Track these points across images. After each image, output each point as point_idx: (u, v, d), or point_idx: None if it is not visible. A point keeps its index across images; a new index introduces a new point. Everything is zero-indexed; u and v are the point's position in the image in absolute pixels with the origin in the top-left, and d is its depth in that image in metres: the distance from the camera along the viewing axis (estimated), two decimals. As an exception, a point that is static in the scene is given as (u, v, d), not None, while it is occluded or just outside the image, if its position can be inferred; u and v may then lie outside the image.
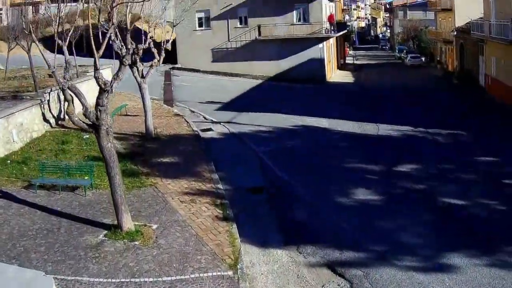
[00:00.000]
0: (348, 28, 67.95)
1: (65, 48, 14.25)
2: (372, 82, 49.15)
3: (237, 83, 44.67)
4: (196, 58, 49.48)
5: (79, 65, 30.99)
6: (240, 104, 34.05)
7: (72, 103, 13.00)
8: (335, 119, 28.97)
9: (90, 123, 13.33)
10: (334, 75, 53.46)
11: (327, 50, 49.78)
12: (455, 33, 52.05)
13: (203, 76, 47.18)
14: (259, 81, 45.58)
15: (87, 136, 22.77)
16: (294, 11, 47.45)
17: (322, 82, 46.43)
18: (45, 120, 25.23)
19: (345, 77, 53.42)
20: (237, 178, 19.18)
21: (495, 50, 37.17)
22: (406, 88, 42.29)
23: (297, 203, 16.92)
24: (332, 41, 52.46)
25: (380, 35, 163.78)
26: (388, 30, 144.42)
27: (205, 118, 29.80)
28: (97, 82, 12.63)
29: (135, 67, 23.79)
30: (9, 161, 20.39)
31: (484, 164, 20.65)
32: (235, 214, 15.70)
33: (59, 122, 26.29)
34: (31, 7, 64.20)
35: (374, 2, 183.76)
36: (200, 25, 49.59)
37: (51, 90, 25.85)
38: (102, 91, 12.65)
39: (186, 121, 28.02)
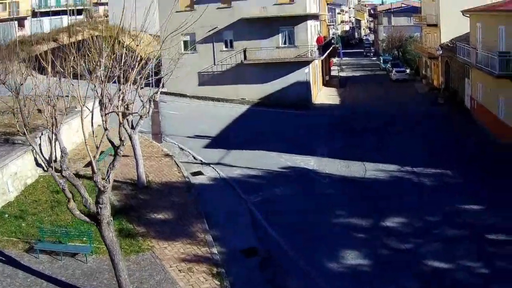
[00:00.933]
0: (333, 42, 68.39)
1: (59, 137, 14.45)
2: (358, 104, 49.61)
3: (223, 109, 45.28)
4: (182, 82, 49.79)
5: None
6: (228, 139, 34.57)
7: (73, 197, 13.47)
8: (322, 158, 29.67)
9: (92, 215, 13.82)
10: (320, 94, 54.10)
11: (313, 71, 50.46)
12: (441, 52, 52.84)
13: (190, 102, 47.73)
14: (245, 107, 46.06)
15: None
16: (280, 34, 48.05)
17: (308, 106, 46.99)
18: (38, 164, 25.56)
19: (330, 96, 54.00)
20: (230, 237, 19.80)
21: (481, 77, 37.66)
22: (393, 116, 42.83)
23: (289, 270, 17.56)
24: (318, 60, 53.11)
25: (364, 38, 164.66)
26: (372, 34, 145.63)
27: (194, 158, 30.35)
28: (96, 185, 13.12)
29: (125, 119, 24.13)
30: (6, 215, 20.96)
31: (469, 215, 21.36)
32: (231, 284, 16.36)
33: (51, 165, 26.60)
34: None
35: (358, 4, 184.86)
36: (186, 48, 49.95)
37: (41, 134, 26.14)
38: (101, 192, 13.16)
39: (177, 164, 28.52)
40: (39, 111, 26.22)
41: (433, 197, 23.52)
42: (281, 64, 47.70)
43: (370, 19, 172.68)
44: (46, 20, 79.08)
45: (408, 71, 70.53)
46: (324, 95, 54.22)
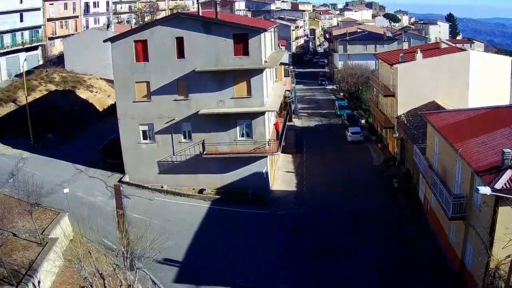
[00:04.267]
0: (288, 101, 68.90)
1: None
2: (315, 190, 50.53)
3: (185, 209, 45.76)
4: (143, 170, 50.22)
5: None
6: (196, 271, 35.51)
7: None
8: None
9: None
10: (277, 172, 54.69)
11: (271, 161, 50.96)
12: (397, 135, 54.13)
13: (151, 198, 47.93)
14: (206, 206, 46.45)
15: None
16: (238, 127, 48.42)
17: (266, 200, 47.81)
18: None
19: (286, 176, 54.75)
20: None
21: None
22: (352, 214, 44.30)
23: None
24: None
25: (318, 49, 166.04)
26: (326, 44, 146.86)
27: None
28: None
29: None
30: None
31: None
32: None
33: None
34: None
35: (313, 12, 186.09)
36: (145, 137, 49.91)
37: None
38: None
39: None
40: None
41: None
42: (239, 157, 48.24)
43: (325, 23, 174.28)
44: (2, 59, 77.57)
45: (363, 123, 72.10)
46: (281, 174, 54.82)
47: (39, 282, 30.81)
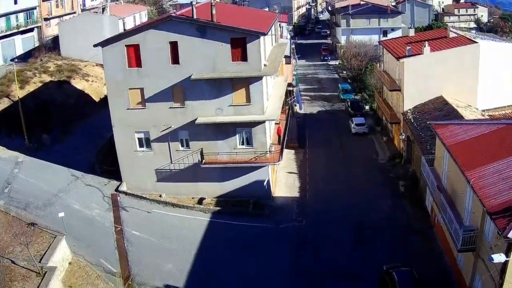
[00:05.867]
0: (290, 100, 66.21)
1: None
2: (319, 198, 48.83)
3: (185, 223, 44.38)
4: (140, 178, 48.68)
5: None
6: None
7: None
8: None
9: None
10: (279, 175, 52.89)
11: (273, 168, 49.08)
12: (404, 137, 52.12)
13: (150, 210, 46.43)
14: (206, 219, 44.88)
15: None
16: (237, 135, 46.35)
17: (268, 210, 46.22)
18: None
19: (289, 177, 53.01)
20: None
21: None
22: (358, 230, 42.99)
23: None
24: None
25: (320, 16, 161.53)
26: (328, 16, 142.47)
27: None
28: None
29: None
30: None
31: None
32: None
33: None
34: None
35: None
36: (141, 145, 48.04)
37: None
38: None
39: None
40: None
41: None
42: (239, 165, 46.46)
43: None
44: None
45: (367, 109, 69.87)
46: (283, 175, 53.04)
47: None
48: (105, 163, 52.67)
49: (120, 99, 46.54)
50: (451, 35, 57.87)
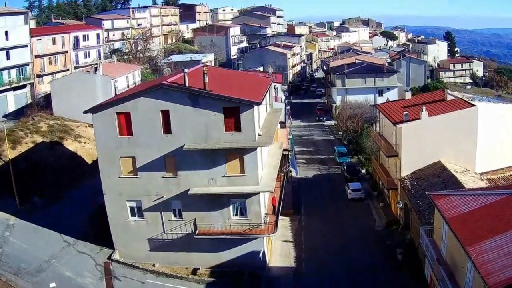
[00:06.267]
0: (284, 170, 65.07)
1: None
2: (315, 266, 47.25)
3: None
4: (133, 247, 47.35)
5: None
6: None
7: None
8: None
9: None
10: (274, 245, 51.31)
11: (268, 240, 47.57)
12: (401, 205, 50.94)
13: (143, 280, 44.98)
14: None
15: None
16: (231, 206, 45.03)
17: (263, 280, 44.62)
18: None
19: (284, 246, 51.44)
20: None
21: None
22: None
23: None
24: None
25: (315, 74, 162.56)
26: (323, 73, 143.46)
27: None
28: None
29: None
30: None
31: None
32: None
33: None
34: None
35: (310, 34, 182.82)
36: (133, 214, 46.68)
37: None
38: None
39: None
40: None
41: None
42: (234, 236, 45.00)
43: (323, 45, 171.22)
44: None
45: (364, 173, 68.83)
46: (279, 245, 51.46)
47: None
48: (97, 229, 51.06)
49: (111, 167, 45.45)
50: (449, 97, 57.40)
